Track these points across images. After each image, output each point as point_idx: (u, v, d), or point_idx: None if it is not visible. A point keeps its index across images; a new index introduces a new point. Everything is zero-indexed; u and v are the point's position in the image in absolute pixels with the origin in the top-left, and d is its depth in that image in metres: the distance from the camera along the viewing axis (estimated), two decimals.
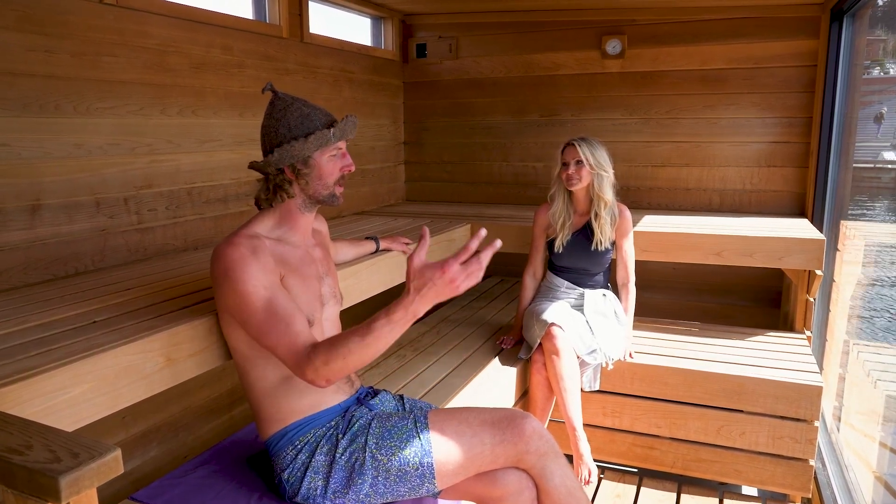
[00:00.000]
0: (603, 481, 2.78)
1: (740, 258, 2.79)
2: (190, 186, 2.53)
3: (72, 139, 2.08)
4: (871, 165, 3.06)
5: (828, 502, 2.43)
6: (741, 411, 2.53)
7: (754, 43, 3.36)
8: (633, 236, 2.74)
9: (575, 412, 2.48)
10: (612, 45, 3.59)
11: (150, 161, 2.35)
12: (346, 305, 1.84)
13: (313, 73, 3.24)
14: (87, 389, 1.27)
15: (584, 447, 2.48)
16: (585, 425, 2.55)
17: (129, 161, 2.27)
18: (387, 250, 2.28)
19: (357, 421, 1.52)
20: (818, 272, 2.72)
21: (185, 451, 2.46)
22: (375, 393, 1.69)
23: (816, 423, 2.45)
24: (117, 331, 1.44)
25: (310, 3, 3.14)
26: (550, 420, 2.68)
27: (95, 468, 0.82)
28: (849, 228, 2.95)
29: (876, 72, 3.19)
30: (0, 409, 1.09)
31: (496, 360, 2.69)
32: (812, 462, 2.47)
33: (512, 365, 2.65)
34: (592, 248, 2.66)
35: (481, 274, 1.18)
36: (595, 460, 2.52)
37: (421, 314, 1.22)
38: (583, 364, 2.59)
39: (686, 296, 3.70)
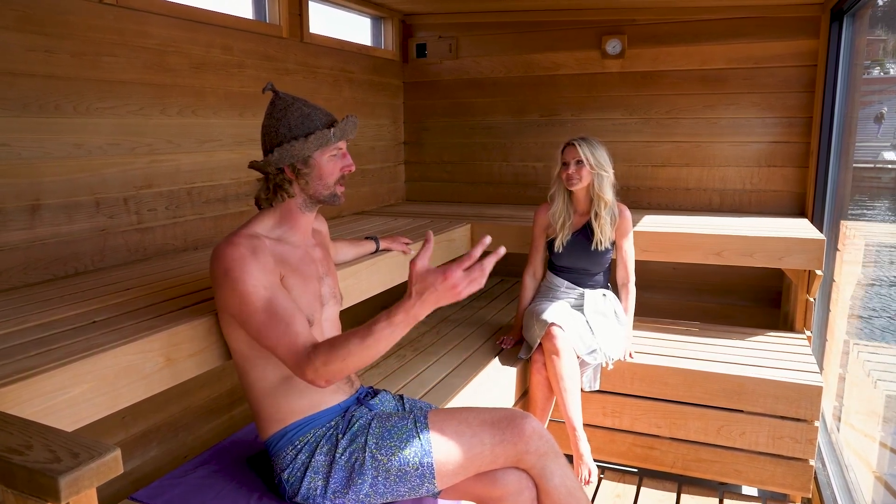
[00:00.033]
0: (603, 481, 2.78)
1: (740, 258, 2.79)
2: (190, 186, 2.53)
3: (72, 139, 2.08)
4: (871, 165, 3.06)
5: (828, 502, 2.43)
6: (741, 411, 2.53)
7: (754, 43, 3.36)
8: (633, 236, 2.74)
9: (575, 412, 2.47)
10: (612, 45, 3.59)
11: (150, 161, 2.35)
12: (345, 305, 1.84)
13: (313, 73, 3.24)
14: (87, 389, 1.27)
15: (584, 447, 2.48)
16: (585, 425, 2.55)
17: (129, 161, 2.27)
18: (387, 250, 2.28)
19: (357, 421, 1.52)
20: (818, 272, 2.72)
21: (185, 451, 2.46)
22: (375, 393, 1.69)
23: (816, 423, 2.45)
24: (117, 331, 1.44)
25: (310, 3, 3.14)
26: (550, 420, 2.68)
27: (95, 468, 0.82)
28: (849, 228, 2.95)
29: (876, 72, 3.19)
30: (0, 409, 1.09)
31: (496, 360, 2.69)
32: (812, 462, 2.47)
33: (512, 365, 2.65)
34: (592, 248, 2.66)
35: (483, 281, 1.18)
36: (595, 460, 2.52)
37: (421, 318, 1.23)
38: (583, 364, 2.59)
39: (686, 296, 3.70)
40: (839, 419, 2.91)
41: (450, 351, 2.80)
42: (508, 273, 4.02)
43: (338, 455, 1.46)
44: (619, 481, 2.79)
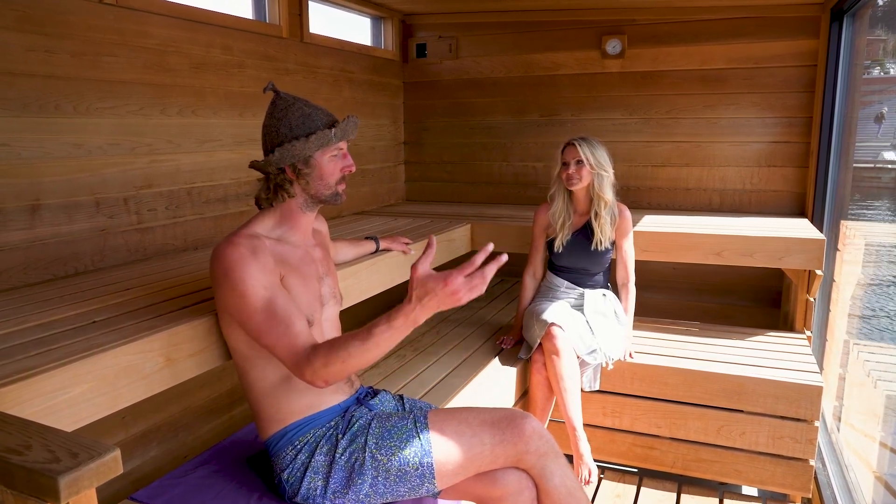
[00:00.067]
0: (603, 481, 2.78)
1: (740, 258, 2.79)
2: (190, 186, 2.53)
3: (72, 139, 2.08)
4: (872, 165, 3.06)
5: (828, 502, 2.43)
6: (741, 411, 2.53)
7: (754, 43, 3.35)
8: (633, 236, 2.74)
9: (575, 412, 2.47)
10: (612, 45, 3.59)
11: (150, 161, 2.35)
12: (345, 305, 1.84)
13: (313, 73, 3.24)
14: (87, 389, 1.27)
15: (584, 447, 2.47)
16: (585, 425, 2.55)
17: (129, 161, 2.27)
18: (387, 250, 2.28)
19: (357, 421, 1.52)
20: (818, 272, 2.72)
21: (185, 451, 2.46)
22: (375, 393, 1.69)
23: (816, 423, 2.45)
24: (117, 331, 1.44)
25: (310, 3, 3.14)
26: (550, 420, 2.68)
27: (95, 468, 0.81)
28: (849, 228, 2.95)
29: (876, 72, 3.19)
30: (0, 409, 1.09)
31: (496, 360, 2.69)
32: (812, 462, 2.47)
33: (512, 365, 2.65)
34: (592, 248, 2.66)
35: (484, 288, 1.18)
36: (595, 460, 2.52)
37: (421, 322, 1.23)
38: (583, 364, 2.59)
39: (686, 296, 3.70)
40: (839, 419, 2.91)
41: (450, 351, 2.80)
42: (508, 273, 4.02)
43: (338, 455, 1.46)
44: (619, 481, 2.79)
